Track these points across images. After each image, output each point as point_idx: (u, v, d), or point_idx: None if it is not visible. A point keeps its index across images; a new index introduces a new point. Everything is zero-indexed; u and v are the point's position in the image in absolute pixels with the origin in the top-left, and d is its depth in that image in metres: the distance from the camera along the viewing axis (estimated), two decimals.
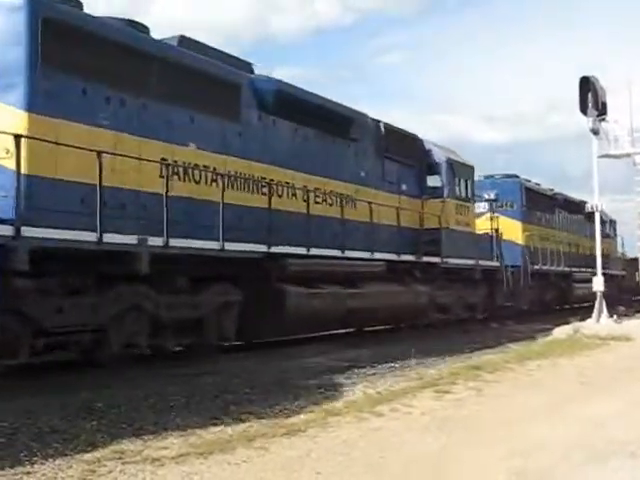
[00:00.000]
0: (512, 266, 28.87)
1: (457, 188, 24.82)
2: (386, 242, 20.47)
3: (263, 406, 9.85)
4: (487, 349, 17.59)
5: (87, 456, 7.17)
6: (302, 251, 16.98)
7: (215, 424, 8.80)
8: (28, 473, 6.62)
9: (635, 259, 45.46)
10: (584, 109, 24.73)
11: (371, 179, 21.02)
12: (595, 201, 25.37)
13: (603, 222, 38.88)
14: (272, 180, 16.67)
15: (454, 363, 14.70)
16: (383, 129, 21.58)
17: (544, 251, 33.08)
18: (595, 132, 25.00)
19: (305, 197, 17.64)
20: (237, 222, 15.04)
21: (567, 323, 23.09)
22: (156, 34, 14.80)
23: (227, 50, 16.83)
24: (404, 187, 22.55)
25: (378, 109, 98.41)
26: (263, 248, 15.66)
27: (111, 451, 7.36)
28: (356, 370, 13.49)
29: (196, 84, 14.87)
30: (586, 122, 24.98)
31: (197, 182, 14.62)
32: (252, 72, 17.30)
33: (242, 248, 14.99)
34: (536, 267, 31.50)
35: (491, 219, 27.81)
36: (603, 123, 25.16)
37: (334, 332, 20.31)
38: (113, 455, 7.21)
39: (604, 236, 38.75)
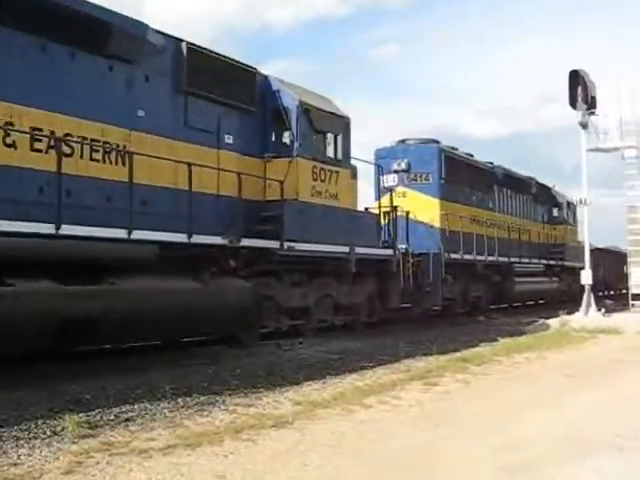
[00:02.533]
0: (420, 254, 22.47)
1: (318, 145, 17.50)
2: (179, 216, 13.40)
3: (251, 398, 9.86)
4: (475, 342, 17.61)
5: (74, 447, 7.16)
6: None
7: (203, 416, 8.80)
8: (15, 464, 6.61)
9: (604, 250, 43.55)
10: (573, 103, 24.80)
11: (160, 122, 13.88)
12: (584, 194, 25.42)
13: (557, 204, 36.87)
14: None
15: (442, 355, 14.72)
16: (186, 51, 14.20)
17: (469, 237, 25.57)
18: (584, 126, 25.09)
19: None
20: None
21: (556, 316, 23.16)
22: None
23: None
24: (229, 139, 15.35)
25: (373, 100, 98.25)
26: None
27: (99, 442, 7.35)
28: (345, 362, 13.48)
29: None
30: (575, 116, 25.05)
31: None
32: None
33: None
34: (454, 256, 24.24)
35: (390, 194, 21.48)
36: (592, 117, 25.24)
37: (323, 324, 18.57)
38: (100, 446, 7.20)
39: (560, 222, 36.78)
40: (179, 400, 9.55)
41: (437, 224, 24.27)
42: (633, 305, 26.40)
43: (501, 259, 28.27)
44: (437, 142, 25.76)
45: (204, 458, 6.94)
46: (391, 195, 21.45)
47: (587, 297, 24.59)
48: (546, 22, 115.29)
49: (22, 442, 7.28)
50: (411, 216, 22.40)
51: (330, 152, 17.97)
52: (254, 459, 6.97)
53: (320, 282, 17.81)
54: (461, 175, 26.17)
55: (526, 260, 31.15)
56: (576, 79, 24.75)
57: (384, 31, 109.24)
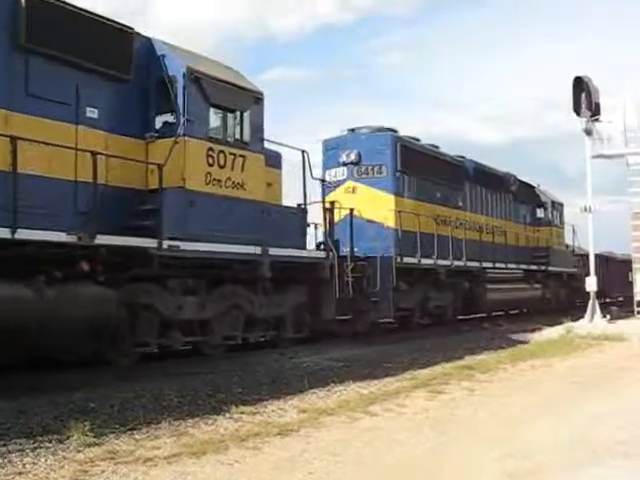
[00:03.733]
0: (367, 258, 19.59)
1: (216, 124, 14.47)
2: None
3: (256, 406, 9.85)
4: (480, 349, 17.58)
5: (79, 456, 7.16)
6: None
7: (208, 424, 8.79)
8: (20, 473, 6.61)
9: (597, 255, 40.77)
10: (577, 109, 24.81)
11: None
12: (589, 202, 25.41)
13: (541, 205, 33.98)
14: None
15: (447, 363, 14.70)
16: (24, 2, 11.10)
17: (430, 238, 22.23)
18: (588, 132, 25.09)
19: None
20: None
21: (560, 323, 23.14)
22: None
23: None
24: (92, 113, 12.30)
25: (377, 108, 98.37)
26: None
27: (104, 451, 7.35)
28: (349, 370, 13.47)
29: None
30: (579, 122, 25.06)
31: None
32: None
33: None
34: (409, 260, 21.07)
35: (322, 185, 18.30)
36: (597, 123, 25.24)
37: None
38: (106, 455, 7.20)
39: (544, 223, 33.85)
40: (184, 408, 9.54)
41: (391, 223, 21.07)
42: (639, 312, 26.36)
43: (471, 264, 24.95)
44: (393, 130, 22.54)
45: (209, 466, 6.94)
46: (323, 189, 18.14)
47: (592, 304, 24.56)
48: (551, 29, 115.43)
49: (27, 451, 7.28)
50: (361, 214, 20.33)
51: (232, 131, 14.62)
52: (259, 467, 6.97)
53: (224, 290, 14.63)
54: (422, 168, 22.90)
55: (502, 265, 27.80)
56: (580, 86, 24.77)
57: (388, 39, 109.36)
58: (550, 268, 32.66)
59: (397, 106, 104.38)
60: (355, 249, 19.06)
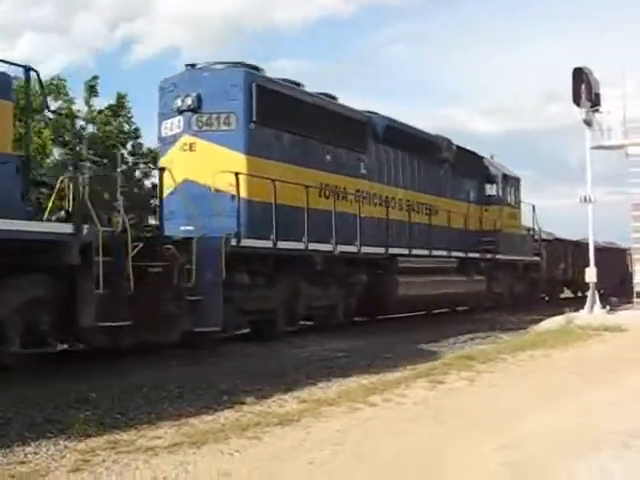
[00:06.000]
0: (185, 240, 13.61)
1: None
2: None
3: (257, 396, 9.87)
4: (480, 339, 17.63)
5: (81, 446, 7.18)
6: None
7: (208, 414, 8.81)
8: (22, 463, 6.63)
9: (571, 242, 36.85)
10: (577, 100, 24.77)
11: None
12: (588, 192, 25.38)
13: (491, 179, 28.69)
14: None
15: (447, 353, 14.74)
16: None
17: (300, 214, 16.48)
18: (588, 123, 25.05)
19: None
20: None
21: (560, 314, 23.16)
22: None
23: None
24: None
25: (379, 100, 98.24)
26: None
27: (105, 441, 7.36)
28: (350, 360, 13.50)
29: None
30: (579, 113, 25.03)
31: None
32: None
33: None
34: (258, 244, 15.30)
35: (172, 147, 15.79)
36: (597, 114, 25.21)
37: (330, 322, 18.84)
38: (107, 445, 7.21)
39: (493, 202, 28.37)
40: (184, 398, 9.58)
41: (242, 193, 15.25)
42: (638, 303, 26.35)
43: (371, 249, 19.24)
44: (246, 66, 16.81)
45: (210, 456, 6.96)
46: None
47: (592, 295, 24.56)
48: (553, 20, 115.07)
49: (28, 440, 7.30)
50: (201, 181, 15.22)
51: None
52: (260, 457, 6.99)
53: None
54: (296, 121, 17.50)
55: (425, 252, 22.11)
56: (580, 77, 24.72)
57: (391, 31, 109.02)
58: (499, 256, 27.25)
59: (398, 97, 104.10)
60: (188, 227, 14.36)
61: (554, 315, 23.17)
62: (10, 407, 8.47)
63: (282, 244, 15.74)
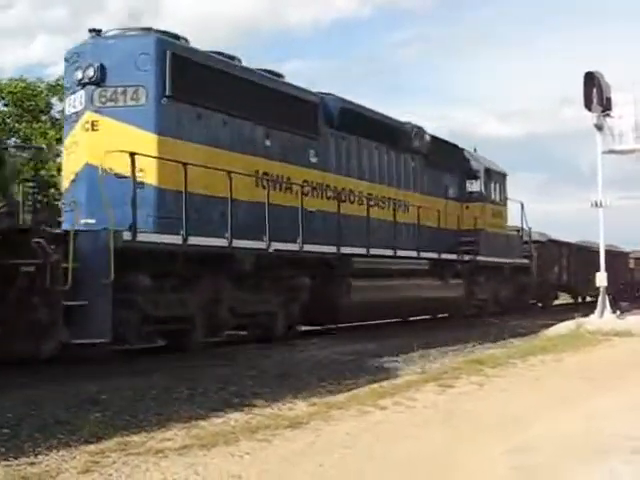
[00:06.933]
0: (64, 234, 11.82)
1: None
2: None
3: (266, 398, 9.86)
4: (490, 344, 17.59)
5: (91, 447, 7.20)
6: None
7: (218, 416, 8.82)
8: (32, 464, 6.65)
9: (564, 243, 35.30)
10: (589, 104, 24.71)
11: None
12: (599, 196, 25.30)
13: (472, 174, 26.23)
14: None
15: (457, 357, 14.73)
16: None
17: (223, 205, 14.20)
18: (599, 128, 24.96)
19: None
20: None
21: (571, 318, 23.09)
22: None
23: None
24: None
25: (392, 102, 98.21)
26: None
27: (115, 442, 7.38)
28: (360, 363, 13.50)
29: None
30: (590, 118, 24.98)
31: None
32: None
33: None
34: (153, 238, 12.92)
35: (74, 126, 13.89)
36: (608, 119, 25.14)
37: (340, 325, 18.84)
38: (117, 446, 7.23)
39: (475, 199, 25.97)
40: (195, 400, 9.59)
41: (152, 180, 13.35)
42: None
43: (319, 248, 16.82)
44: (164, 33, 14.51)
45: (220, 458, 6.96)
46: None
47: (602, 299, 24.45)
48: (567, 24, 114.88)
49: (39, 441, 7.31)
50: (105, 166, 12.58)
51: None
52: (269, 459, 7.00)
53: None
54: (223, 97, 15.03)
55: (388, 252, 19.58)
56: (591, 81, 24.65)
57: (405, 33, 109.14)
58: (480, 258, 24.75)
59: (413, 100, 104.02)
60: (90, 220, 12.86)
61: (565, 320, 23.10)
62: (20, 408, 8.50)
63: (195, 240, 13.27)
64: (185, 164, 13.15)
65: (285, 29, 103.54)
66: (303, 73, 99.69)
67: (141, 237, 12.32)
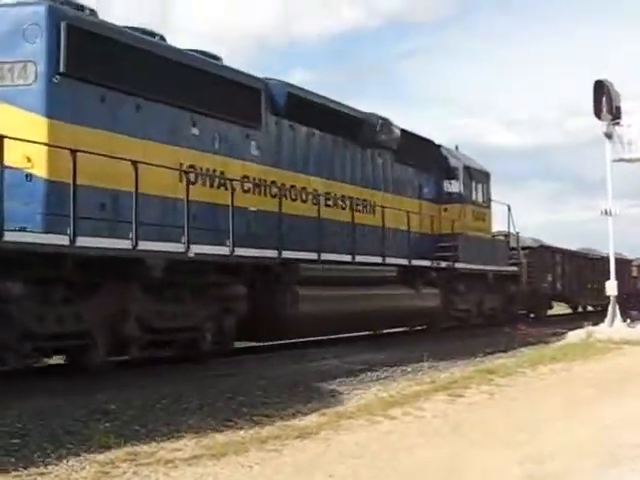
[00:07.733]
0: None
1: None
2: None
3: (276, 408, 9.86)
4: (500, 353, 17.54)
5: (100, 457, 7.19)
6: None
7: (228, 426, 8.81)
8: (42, 474, 6.65)
9: (558, 250, 32.95)
10: (598, 113, 24.69)
11: None
12: (609, 205, 25.24)
13: (450, 172, 23.88)
14: None
15: (467, 367, 14.70)
16: None
17: (126, 200, 11.93)
18: (609, 136, 24.93)
19: None
20: None
21: (581, 327, 23.03)
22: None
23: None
24: None
25: (398, 112, 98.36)
26: None
27: (124, 452, 7.37)
28: (369, 373, 13.48)
29: None
30: (600, 126, 24.95)
31: None
32: None
33: None
34: (30, 239, 10.38)
35: None
36: (617, 127, 25.10)
37: (349, 335, 18.93)
38: (126, 456, 7.22)
39: (454, 200, 23.68)
40: (204, 410, 9.58)
41: (41, 171, 11.32)
42: None
43: (256, 253, 14.56)
44: (58, 1, 12.06)
45: (229, 468, 6.95)
46: None
47: (612, 308, 24.38)
48: (575, 33, 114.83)
49: (49, 452, 7.31)
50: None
51: None
52: (279, 470, 6.98)
53: None
54: (137, 78, 12.92)
55: (346, 258, 17.25)
56: (601, 89, 24.64)
57: (412, 43, 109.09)
58: (459, 265, 22.44)
59: (417, 109, 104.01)
60: None
61: (575, 328, 23.03)
62: (30, 418, 8.50)
63: (85, 241, 10.95)
64: (74, 151, 10.91)
65: (295, 40, 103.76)
66: (310, 83, 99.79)
67: (8, 237, 9.86)
